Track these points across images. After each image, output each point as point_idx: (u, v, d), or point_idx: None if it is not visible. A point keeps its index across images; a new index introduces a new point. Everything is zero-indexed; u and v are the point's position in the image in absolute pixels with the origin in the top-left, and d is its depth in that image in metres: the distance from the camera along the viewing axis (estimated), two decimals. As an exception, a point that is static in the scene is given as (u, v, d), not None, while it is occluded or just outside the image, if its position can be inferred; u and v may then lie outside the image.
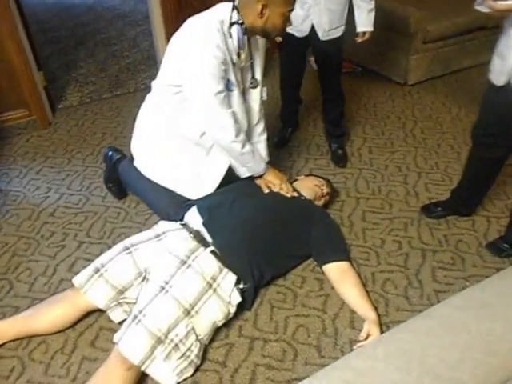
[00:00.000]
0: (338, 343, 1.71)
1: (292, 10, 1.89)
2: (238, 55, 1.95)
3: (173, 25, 3.42)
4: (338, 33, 2.44)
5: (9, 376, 1.64)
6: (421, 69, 3.64)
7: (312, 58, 2.85)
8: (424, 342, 1.17)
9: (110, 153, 2.41)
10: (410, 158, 2.81)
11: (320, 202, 2.24)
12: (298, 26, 2.39)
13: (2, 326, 1.73)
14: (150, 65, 4.24)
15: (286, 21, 1.91)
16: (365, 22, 2.44)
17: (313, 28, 2.40)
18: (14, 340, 1.74)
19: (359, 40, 2.52)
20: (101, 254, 1.91)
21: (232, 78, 1.94)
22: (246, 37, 1.93)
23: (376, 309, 1.81)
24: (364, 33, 2.49)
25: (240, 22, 1.88)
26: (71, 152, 2.96)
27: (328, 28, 2.40)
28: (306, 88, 3.67)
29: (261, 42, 2.13)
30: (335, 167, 2.74)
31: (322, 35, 2.42)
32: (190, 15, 1.94)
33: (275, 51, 3.92)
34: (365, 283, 1.94)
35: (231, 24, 1.87)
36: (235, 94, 1.99)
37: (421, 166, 2.73)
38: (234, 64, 1.93)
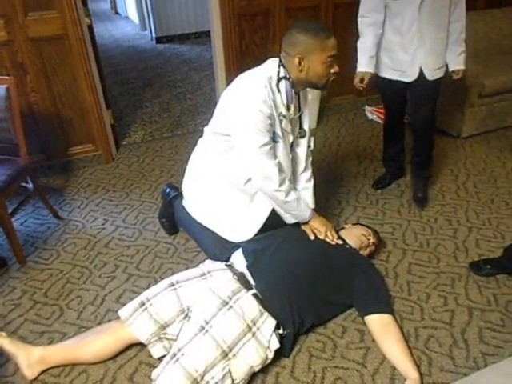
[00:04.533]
0: (376, 401, 1.67)
1: (332, 55, 1.90)
2: (288, 108, 2.04)
3: (234, 71, 3.60)
4: (441, 73, 2.54)
5: (49, 403, 1.71)
6: (475, 122, 3.59)
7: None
8: (470, 411, 1.11)
9: (167, 189, 2.54)
10: (462, 211, 2.75)
11: (365, 252, 2.23)
12: (407, 71, 2.51)
13: (48, 351, 1.81)
14: (210, 107, 4.43)
15: (330, 67, 1.93)
16: (458, 62, 2.54)
17: (420, 70, 2.49)
18: (57, 366, 1.82)
19: (455, 77, 2.58)
20: (148, 287, 1.98)
21: (278, 130, 2.02)
22: (293, 90, 2.02)
23: (418, 367, 1.76)
24: (457, 71, 2.58)
25: (287, 76, 1.97)
26: (130, 186, 3.12)
27: (433, 67, 2.49)
28: (362, 140, 3.71)
29: (308, 93, 2.20)
30: (384, 217, 2.72)
31: (429, 74, 2.50)
32: (250, 63, 2.08)
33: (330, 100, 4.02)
34: (407, 338, 1.90)
35: (279, 79, 1.97)
36: (280, 145, 2.06)
37: (472, 221, 2.66)
38: (284, 116, 2.01)
